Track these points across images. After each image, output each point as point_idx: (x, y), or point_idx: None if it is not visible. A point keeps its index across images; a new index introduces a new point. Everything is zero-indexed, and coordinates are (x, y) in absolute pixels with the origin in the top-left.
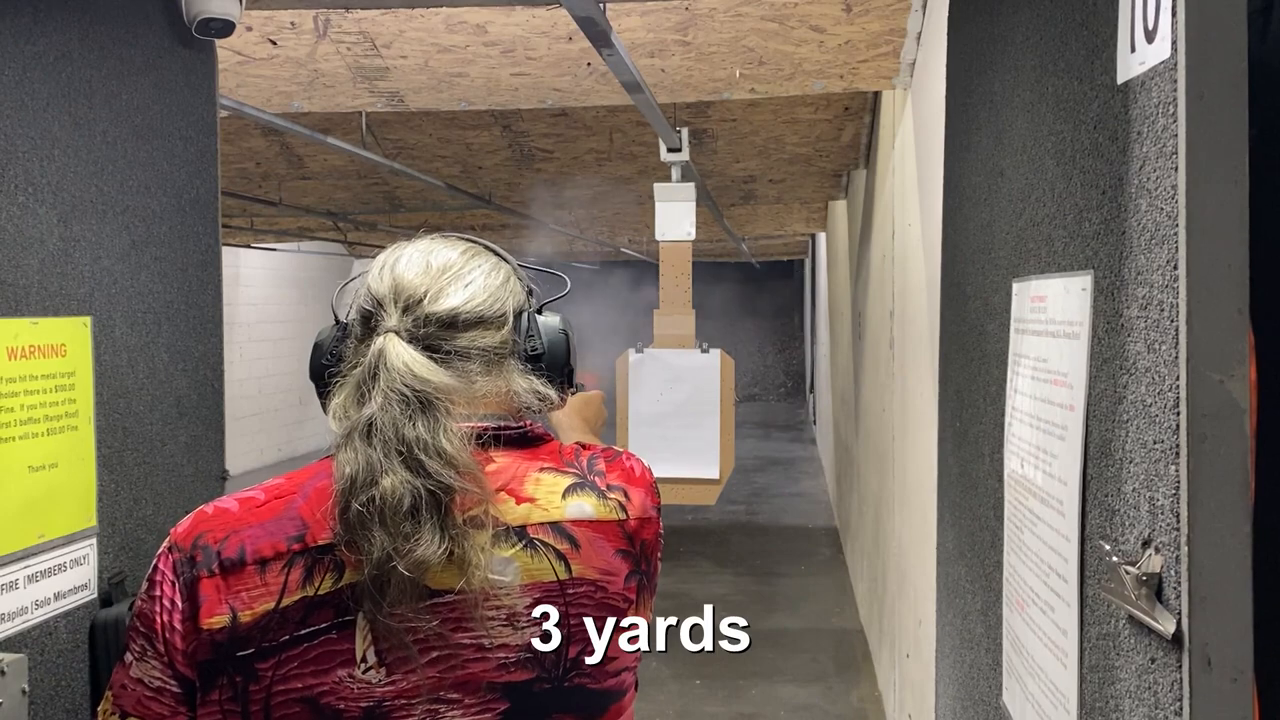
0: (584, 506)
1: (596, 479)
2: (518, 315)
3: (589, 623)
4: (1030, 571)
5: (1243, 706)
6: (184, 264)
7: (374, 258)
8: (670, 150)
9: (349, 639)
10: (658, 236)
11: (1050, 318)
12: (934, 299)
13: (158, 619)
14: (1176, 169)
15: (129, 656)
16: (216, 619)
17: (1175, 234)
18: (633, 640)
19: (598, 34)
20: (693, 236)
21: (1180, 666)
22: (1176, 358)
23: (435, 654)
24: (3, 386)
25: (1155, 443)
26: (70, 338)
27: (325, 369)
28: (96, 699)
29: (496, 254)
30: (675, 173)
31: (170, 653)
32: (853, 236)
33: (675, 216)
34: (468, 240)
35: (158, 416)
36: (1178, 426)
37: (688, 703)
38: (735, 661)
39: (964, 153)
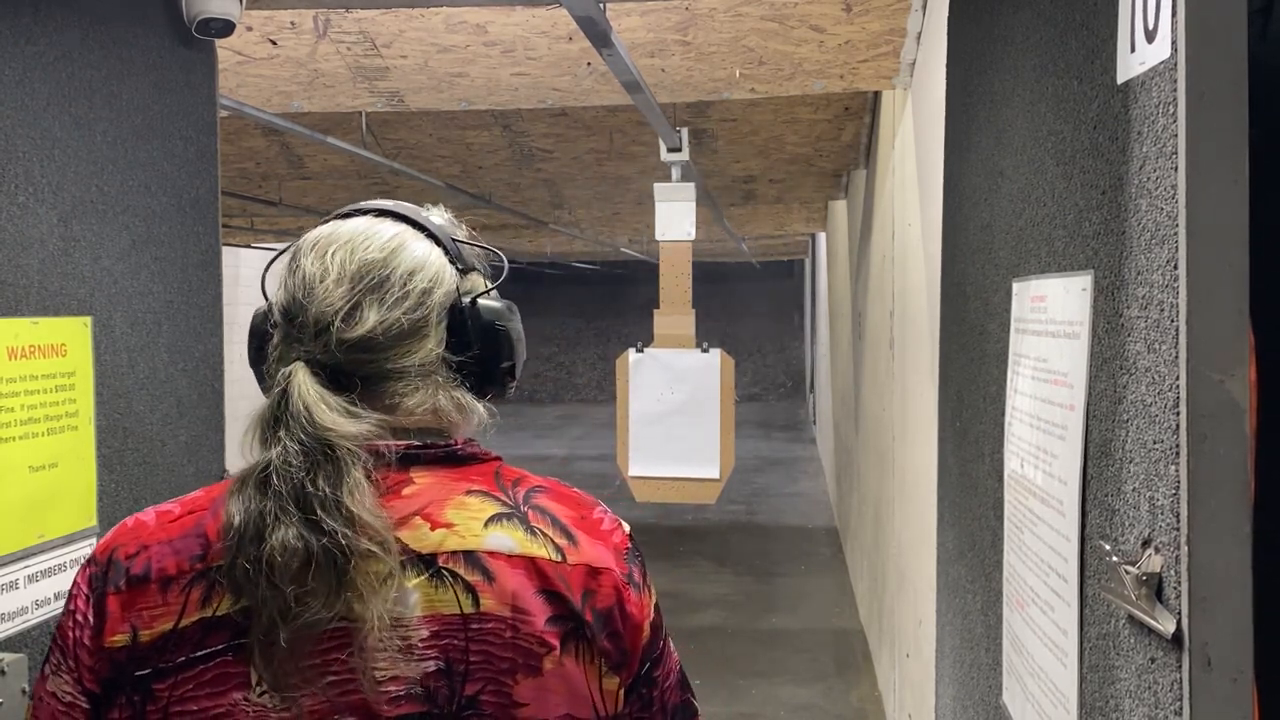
0: (505, 539)
1: (531, 513)
2: (451, 311)
3: (491, 661)
4: (1030, 571)
5: (1243, 706)
6: (184, 264)
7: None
8: (670, 150)
9: (244, 661)
10: (658, 236)
11: (1050, 318)
12: (934, 299)
13: (70, 634)
14: (1176, 169)
15: (47, 669)
16: (118, 637)
17: (1175, 234)
18: (541, 690)
19: (598, 34)
20: (693, 236)
21: (1180, 666)
22: (1176, 358)
23: (330, 679)
24: (3, 386)
25: (1155, 443)
26: (70, 338)
27: (254, 362)
28: None
29: (427, 231)
30: (675, 173)
31: (79, 669)
32: (853, 236)
33: (675, 216)
34: (392, 215)
35: (158, 416)
36: (1178, 426)
37: None
38: (735, 661)
39: (964, 153)
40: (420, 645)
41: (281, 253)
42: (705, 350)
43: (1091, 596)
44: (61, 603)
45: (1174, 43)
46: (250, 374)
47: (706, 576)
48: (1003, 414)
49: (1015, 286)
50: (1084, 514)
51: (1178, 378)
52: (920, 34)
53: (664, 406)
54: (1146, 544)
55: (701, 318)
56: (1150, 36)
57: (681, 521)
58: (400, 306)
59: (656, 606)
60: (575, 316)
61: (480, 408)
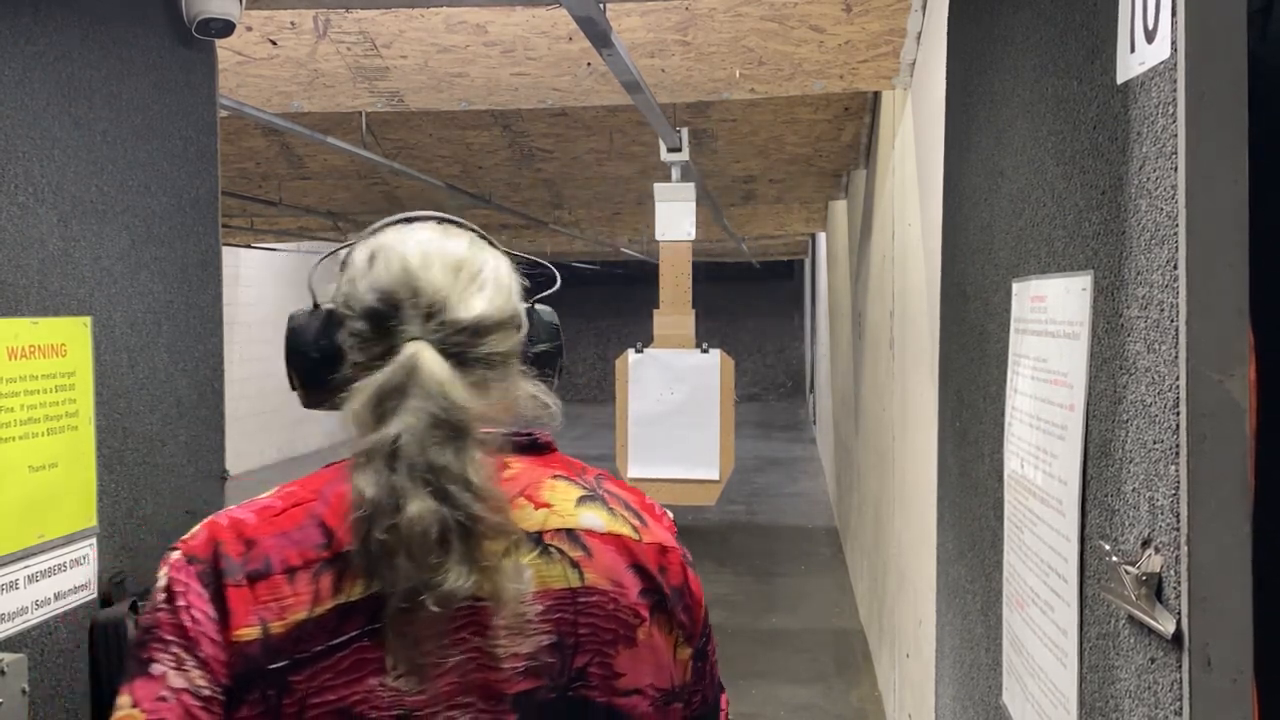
0: (595, 518)
1: (606, 495)
2: (527, 313)
3: (597, 633)
4: (1030, 571)
5: (1243, 706)
6: (184, 264)
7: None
8: (670, 150)
9: (380, 646)
10: (658, 236)
11: (1050, 318)
12: (934, 299)
13: (191, 629)
14: (1176, 169)
15: (160, 668)
16: (246, 630)
17: (1175, 234)
18: (636, 659)
19: (598, 34)
20: (693, 236)
21: (1180, 666)
22: (1176, 358)
23: (455, 659)
24: (3, 386)
25: (1155, 443)
26: (70, 338)
27: (313, 361)
28: (97, 699)
29: (491, 243)
30: (675, 173)
31: (210, 662)
32: (853, 236)
33: (675, 216)
34: (459, 225)
35: (158, 416)
36: (1178, 426)
37: None
38: (735, 661)
39: (964, 153)
40: (535, 620)
41: (333, 252)
42: (705, 351)
43: (1091, 596)
44: (61, 603)
45: (1174, 43)
46: (250, 374)
47: (706, 576)
48: (1003, 414)
49: (1015, 286)
50: (1084, 514)
51: (1178, 378)
52: (920, 34)
53: (663, 407)
54: (1146, 544)
55: (701, 318)
56: (1150, 37)
57: (682, 521)
58: (499, 297)
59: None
60: (575, 316)
61: (551, 400)
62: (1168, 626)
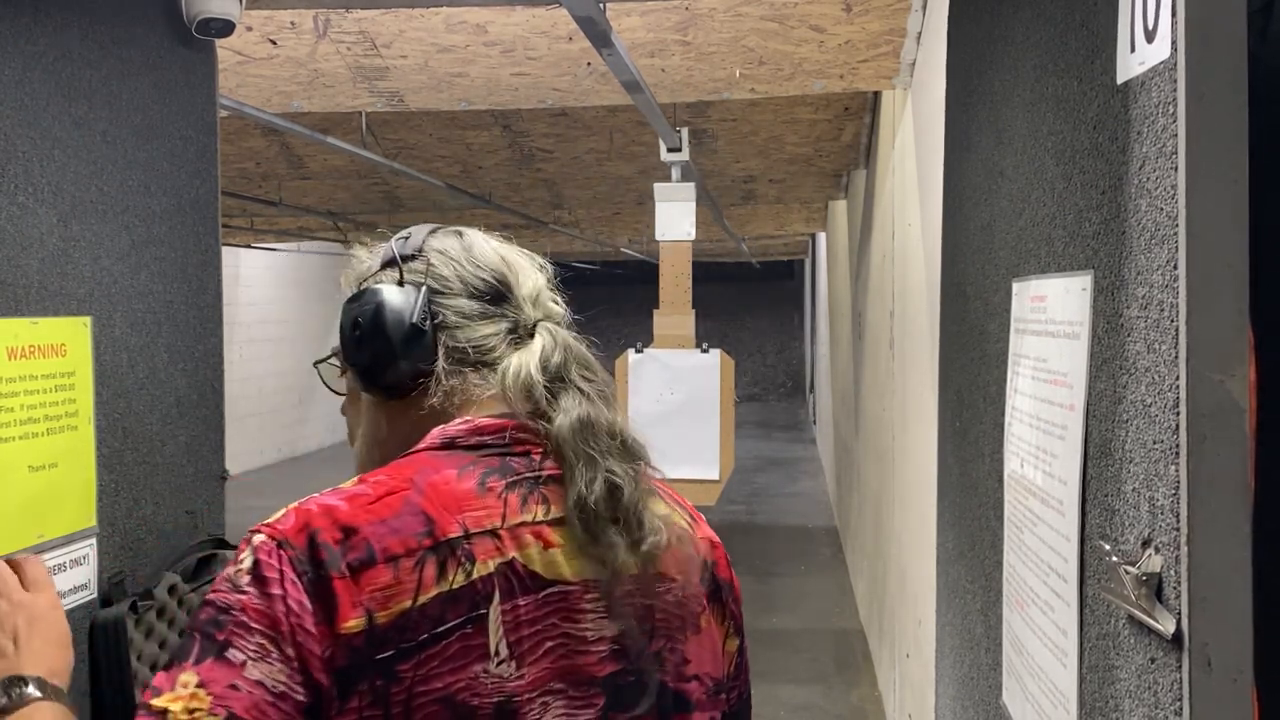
0: (659, 508)
1: (660, 488)
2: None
3: (669, 619)
4: (1030, 571)
5: (1243, 706)
6: (184, 264)
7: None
8: (670, 150)
9: (483, 633)
10: (658, 236)
11: (1050, 318)
12: (934, 299)
13: (284, 621)
14: (1176, 169)
15: (239, 655)
16: (353, 622)
17: (1175, 234)
18: (699, 646)
19: (598, 34)
20: (693, 236)
21: (1180, 666)
22: (1176, 358)
23: (550, 643)
24: (3, 386)
25: (1155, 443)
26: (70, 338)
27: (409, 336)
28: (96, 698)
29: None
30: (675, 173)
31: (305, 658)
32: (853, 236)
33: (675, 216)
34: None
35: (158, 416)
36: (1178, 426)
37: None
38: None
39: (964, 153)
40: (619, 601)
41: (410, 233)
42: (705, 351)
43: (1091, 597)
44: (62, 603)
45: (1174, 43)
46: (250, 374)
47: None
48: (1003, 414)
49: (1015, 286)
50: (1084, 514)
51: (1178, 378)
52: (920, 34)
53: (663, 407)
54: (1146, 544)
55: (701, 318)
56: (1150, 36)
57: None
58: (538, 279)
59: None
60: (575, 316)
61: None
62: (1168, 626)
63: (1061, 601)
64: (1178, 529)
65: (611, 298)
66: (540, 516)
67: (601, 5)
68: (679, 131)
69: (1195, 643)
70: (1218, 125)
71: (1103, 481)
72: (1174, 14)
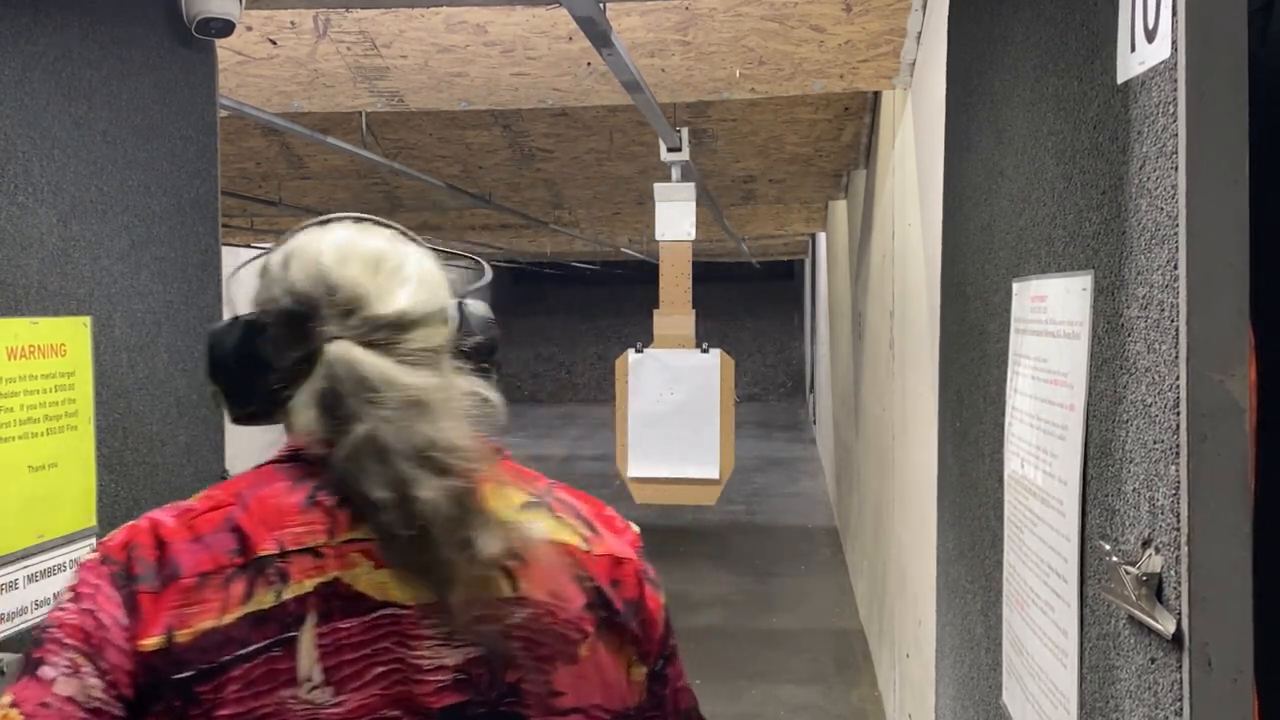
0: (537, 525)
1: (555, 503)
2: (457, 307)
3: (531, 647)
4: (1030, 571)
5: (1243, 706)
6: (184, 264)
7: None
8: (670, 150)
9: (292, 656)
10: (658, 236)
11: (1050, 318)
12: (934, 299)
13: (95, 635)
14: (1176, 169)
15: (50, 671)
16: (151, 640)
17: (1175, 234)
18: (579, 677)
19: (598, 34)
20: (693, 236)
21: (1180, 666)
22: (1176, 358)
23: (380, 669)
24: (3, 386)
25: (1155, 443)
26: (70, 338)
27: (235, 372)
28: None
29: (413, 239)
30: (675, 173)
31: (114, 673)
32: (853, 236)
33: (675, 216)
34: (378, 223)
35: (157, 416)
36: (1178, 426)
37: None
38: (735, 661)
39: (964, 153)
40: (463, 630)
41: (249, 262)
42: (705, 350)
43: (1091, 597)
44: None
45: (1174, 42)
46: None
47: (706, 576)
48: (1003, 414)
49: (1015, 286)
50: (1084, 514)
51: (1178, 378)
52: (920, 34)
53: (664, 407)
54: (1146, 544)
55: (701, 318)
56: (1150, 36)
57: (681, 521)
58: (423, 290)
59: (665, 606)
60: (575, 316)
61: (495, 395)
62: (1168, 626)
63: (1062, 601)
64: (1178, 529)
65: (611, 298)
66: (373, 534)
67: (601, 5)
68: (679, 131)
69: (1195, 643)
70: (1218, 125)
71: (1103, 481)
72: (1174, 14)
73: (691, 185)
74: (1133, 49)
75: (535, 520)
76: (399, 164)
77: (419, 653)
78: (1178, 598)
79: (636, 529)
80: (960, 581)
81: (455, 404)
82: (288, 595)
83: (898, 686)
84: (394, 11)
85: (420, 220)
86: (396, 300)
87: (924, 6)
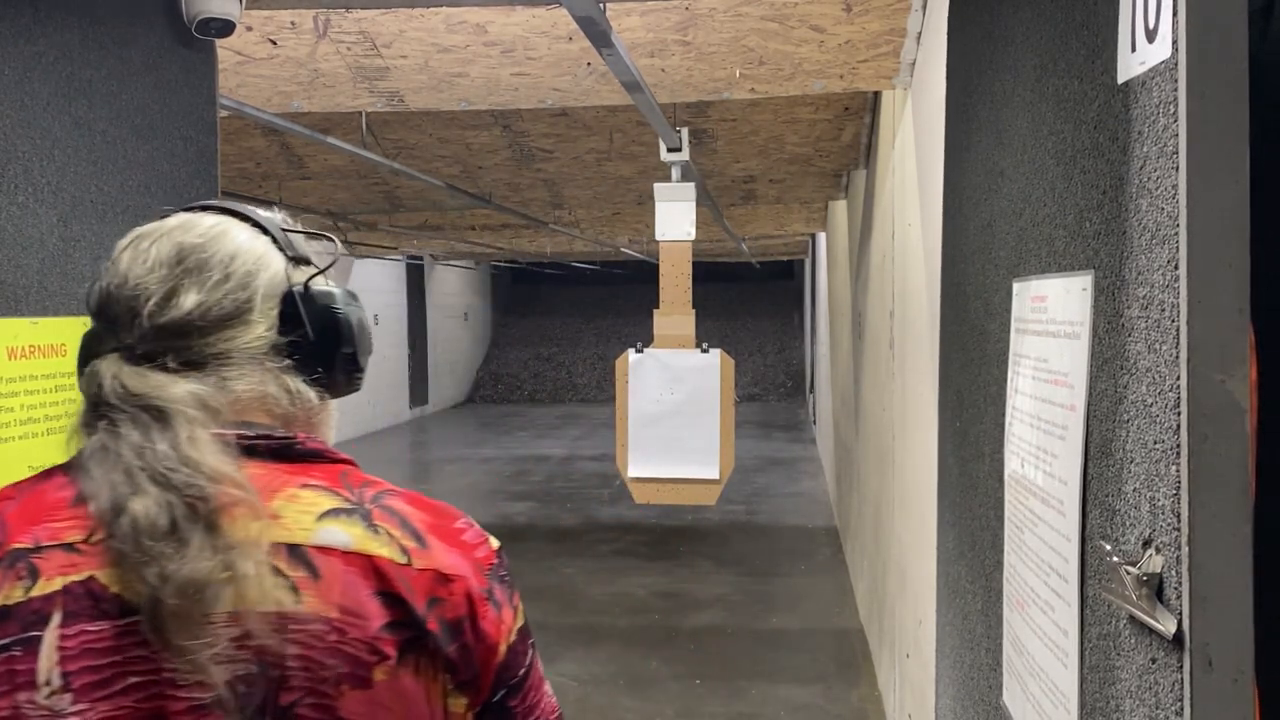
0: (340, 534)
1: (376, 511)
2: (283, 297)
3: (312, 668)
4: (1031, 571)
5: (1243, 706)
6: None
7: (375, 257)
8: (670, 150)
9: (33, 658)
10: (658, 236)
11: (1051, 318)
12: (934, 299)
13: None
14: (1177, 169)
15: None
16: None
17: (1176, 234)
18: (372, 704)
19: (598, 34)
20: (692, 236)
21: (1181, 666)
22: (1177, 357)
23: (134, 679)
24: (3, 386)
25: (1156, 443)
26: (70, 338)
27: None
28: None
29: (253, 221)
30: (675, 173)
31: None
32: (853, 236)
33: (675, 216)
34: (215, 208)
35: None
36: (1178, 426)
37: (687, 702)
38: (735, 661)
39: (964, 153)
40: (229, 646)
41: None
42: (705, 351)
43: (1092, 597)
44: None
45: (1174, 43)
46: None
47: (706, 576)
48: (1003, 414)
49: (1015, 286)
50: (1084, 514)
51: (1178, 377)
52: (920, 34)
53: (663, 407)
54: (1147, 544)
55: (702, 318)
56: (1151, 36)
57: (681, 521)
58: (222, 289)
59: (523, 632)
60: (575, 316)
61: (312, 393)
62: (1168, 626)
63: (1062, 601)
64: (1178, 529)
65: (611, 298)
66: None
67: (601, 5)
68: (679, 131)
69: (1196, 643)
70: (1218, 125)
71: (1103, 481)
72: (1175, 14)
73: (691, 185)
74: (1133, 49)
75: (336, 529)
76: (399, 164)
77: (175, 665)
78: (1178, 598)
79: (495, 545)
80: (960, 581)
81: (205, 413)
82: (36, 592)
83: (898, 686)
84: (394, 12)
85: (420, 220)
86: (182, 303)
87: (924, 6)
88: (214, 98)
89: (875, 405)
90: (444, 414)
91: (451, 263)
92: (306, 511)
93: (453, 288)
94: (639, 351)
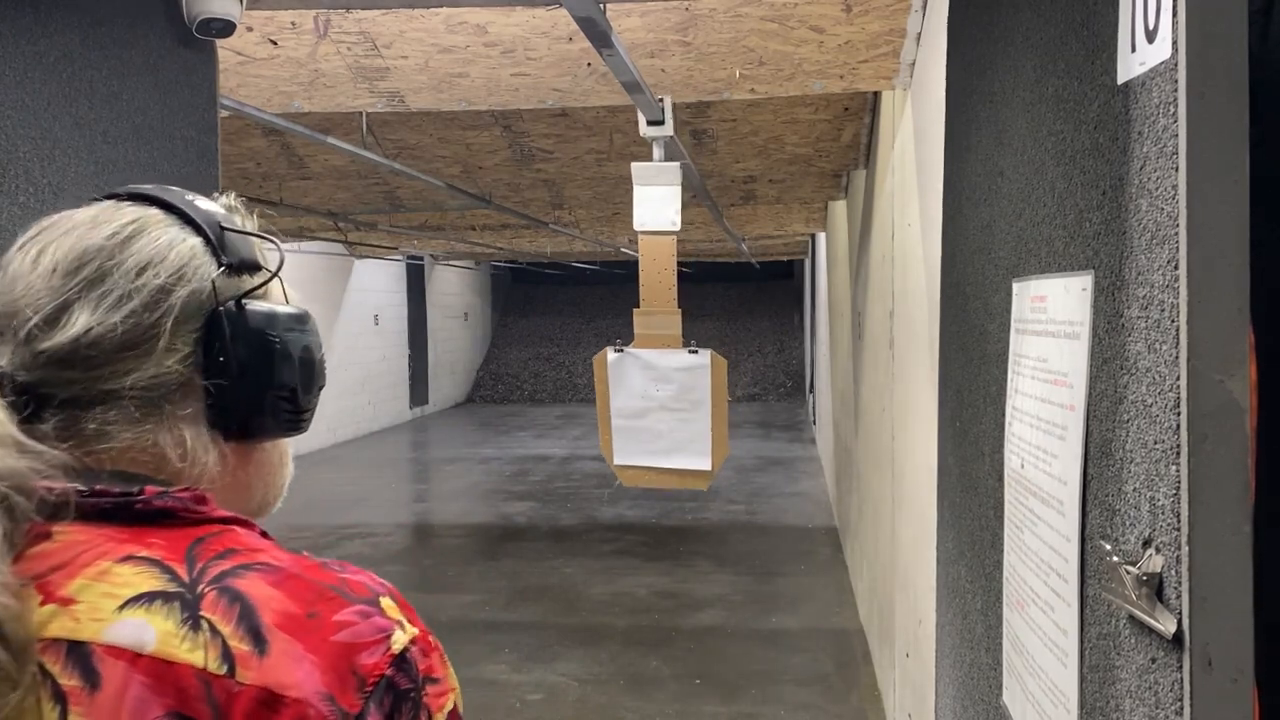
0: (142, 630)
1: (210, 596)
2: (206, 318)
3: None
4: (1030, 571)
5: (1243, 706)
6: None
7: (375, 257)
8: (651, 123)
9: None
10: (636, 227)
11: (1051, 318)
12: (934, 299)
13: None
14: (1177, 169)
15: None
16: None
17: (1175, 234)
18: None
19: (598, 34)
20: (677, 226)
21: (1181, 666)
22: (1177, 358)
23: None
24: None
25: (1156, 443)
26: None
27: None
28: None
29: (183, 216)
30: (657, 151)
31: None
32: (853, 236)
33: (657, 203)
34: (142, 198)
35: None
36: (1178, 426)
37: (687, 702)
38: (735, 661)
39: (964, 153)
40: None
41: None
42: (694, 351)
43: (1092, 596)
44: None
45: (1174, 43)
46: None
47: (706, 576)
48: (1003, 414)
49: (1015, 286)
50: (1084, 514)
51: (1178, 378)
52: (920, 34)
53: (649, 403)
54: (1147, 544)
55: (702, 318)
56: (1150, 36)
57: (681, 521)
58: (123, 308)
59: None
60: (575, 316)
61: (211, 454)
62: (1168, 626)
63: (1062, 601)
64: (1178, 529)
65: (611, 297)
66: None
67: (601, 5)
68: (659, 102)
69: (1196, 643)
70: (1218, 125)
71: (1103, 481)
72: (1174, 14)
73: (676, 166)
74: (1133, 49)
75: (139, 622)
76: (399, 164)
77: None
78: (1178, 598)
79: (399, 645)
80: (960, 581)
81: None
82: None
83: (898, 686)
84: (394, 12)
85: (420, 220)
86: (71, 326)
87: (924, 7)
88: (215, 98)
89: (875, 405)
90: (444, 414)
91: (451, 263)
92: (112, 595)
93: (453, 288)
94: (619, 350)
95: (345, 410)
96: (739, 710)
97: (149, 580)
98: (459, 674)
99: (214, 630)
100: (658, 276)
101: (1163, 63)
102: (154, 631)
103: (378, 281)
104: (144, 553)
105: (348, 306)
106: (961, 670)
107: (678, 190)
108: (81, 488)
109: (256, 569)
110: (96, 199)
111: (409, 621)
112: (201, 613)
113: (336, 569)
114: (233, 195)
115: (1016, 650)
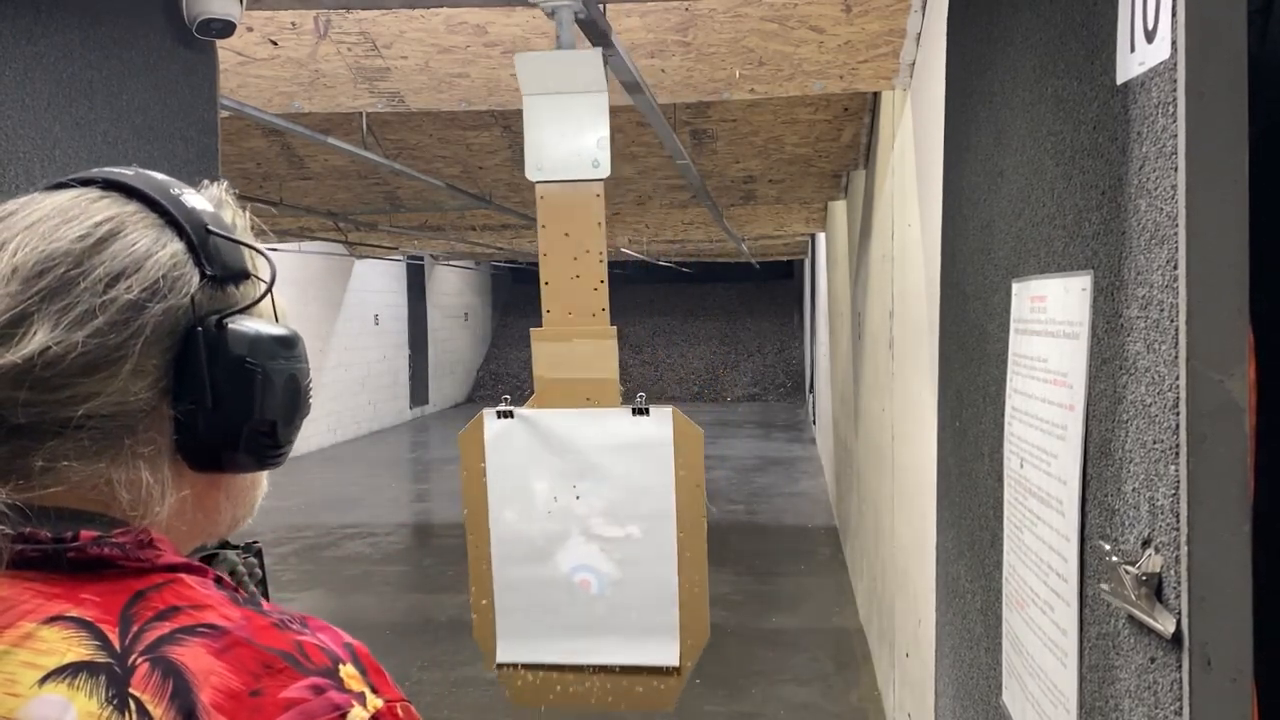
0: (65, 710)
1: (143, 668)
2: (182, 338)
3: None
4: (1030, 571)
5: (1243, 706)
6: None
7: (375, 257)
8: None
9: None
10: (529, 174)
11: (1050, 318)
12: (934, 299)
13: None
14: (1176, 169)
15: None
16: None
17: (1175, 234)
18: None
19: (598, 34)
20: (606, 172)
21: (1180, 666)
22: (1176, 357)
23: None
24: None
25: (1155, 442)
26: None
27: None
28: None
29: (166, 215)
30: (563, 29)
31: None
32: (852, 237)
33: (566, 126)
34: (121, 188)
35: None
36: (1177, 426)
37: (687, 702)
38: (735, 661)
39: (964, 153)
40: None
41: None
42: (643, 411)
43: (1091, 596)
44: None
45: (1174, 43)
46: None
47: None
48: (1002, 414)
49: (1015, 286)
50: (1084, 514)
51: (1177, 377)
52: (920, 34)
53: (561, 525)
54: (1146, 544)
55: (701, 318)
56: (1150, 37)
57: None
58: (87, 325)
59: None
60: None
61: (169, 498)
62: (1168, 626)
63: (1061, 601)
64: (1178, 529)
65: (611, 297)
66: None
67: (601, 5)
68: None
69: (1195, 642)
70: (1218, 125)
71: (1103, 481)
72: (1174, 14)
73: (598, 56)
74: (1132, 49)
75: (57, 700)
76: (399, 164)
77: None
78: (1177, 597)
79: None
80: (960, 581)
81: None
82: None
83: (897, 686)
84: (394, 12)
85: (421, 220)
86: (27, 344)
87: (924, 7)
88: (215, 98)
89: (874, 405)
90: (444, 414)
91: (451, 263)
92: (33, 665)
93: (453, 288)
94: (504, 416)
95: (345, 410)
96: (739, 710)
97: (75, 648)
98: (459, 673)
99: (142, 711)
100: (572, 265)
101: (1162, 63)
102: (74, 712)
103: (378, 281)
104: (74, 612)
105: (348, 306)
106: (961, 670)
107: (603, 101)
108: (8, 531)
109: (200, 633)
110: (67, 183)
111: (375, 690)
112: (131, 690)
113: (295, 629)
114: (222, 185)
115: (1016, 650)
